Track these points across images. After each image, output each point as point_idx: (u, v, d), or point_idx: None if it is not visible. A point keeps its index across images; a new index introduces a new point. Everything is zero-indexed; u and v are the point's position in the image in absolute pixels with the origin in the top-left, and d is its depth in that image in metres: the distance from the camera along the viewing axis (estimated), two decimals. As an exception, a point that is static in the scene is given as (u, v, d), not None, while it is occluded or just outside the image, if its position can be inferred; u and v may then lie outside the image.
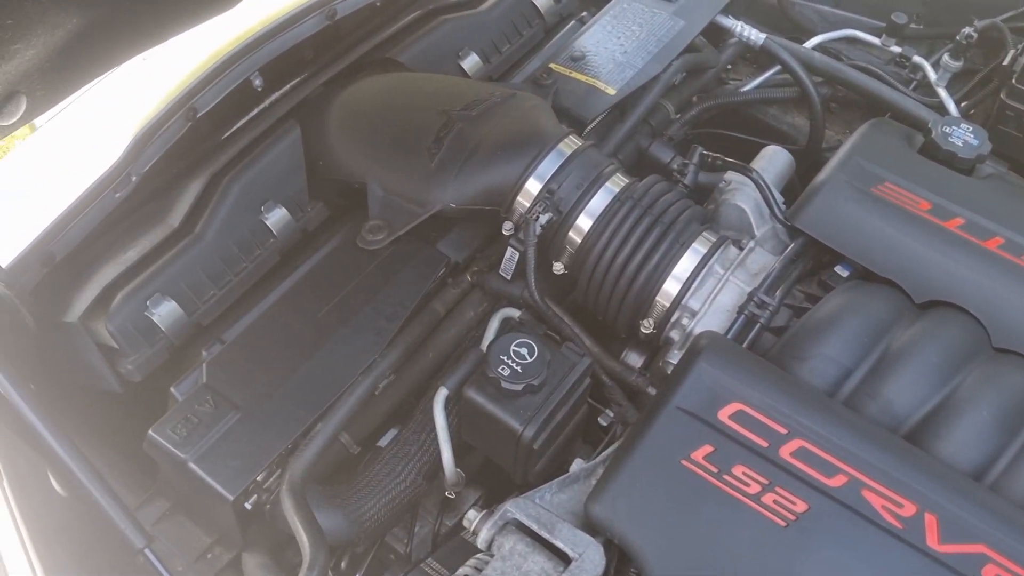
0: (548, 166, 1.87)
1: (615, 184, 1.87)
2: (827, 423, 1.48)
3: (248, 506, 1.67)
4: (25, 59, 1.60)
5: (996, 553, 1.35)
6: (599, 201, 1.84)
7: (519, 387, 1.63)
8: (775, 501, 1.41)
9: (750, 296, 1.71)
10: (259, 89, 2.11)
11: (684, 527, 1.42)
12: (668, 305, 1.79)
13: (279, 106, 2.17)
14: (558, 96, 2.17)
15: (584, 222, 1.84)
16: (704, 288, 1.78)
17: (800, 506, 1.41)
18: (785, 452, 1.46)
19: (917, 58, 2.50)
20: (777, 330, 1.72)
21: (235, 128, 2.18)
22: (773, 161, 2.00)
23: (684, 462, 1.47)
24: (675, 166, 2.20)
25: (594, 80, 2.20)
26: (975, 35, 2.39)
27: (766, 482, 1.43)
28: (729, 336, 1.70)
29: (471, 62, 2.36)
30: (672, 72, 2.28)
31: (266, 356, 1.80)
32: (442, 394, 1.71)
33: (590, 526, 1.49)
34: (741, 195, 1.88)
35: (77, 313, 1.84)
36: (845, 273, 1.77)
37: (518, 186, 1.87)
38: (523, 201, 1.87)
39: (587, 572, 1.40)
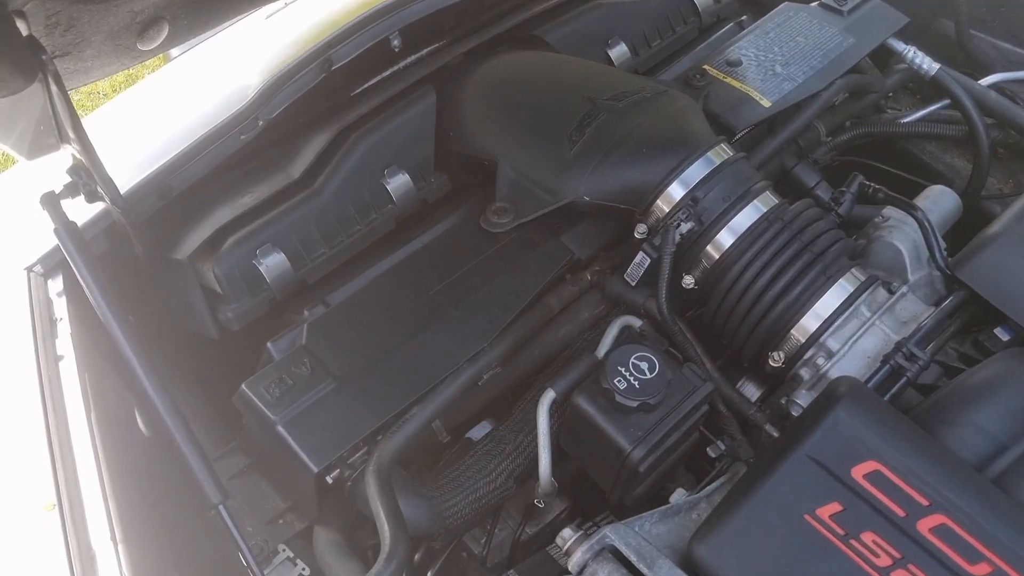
0: (695, 172, 1.74)
1: (764, 202, 1.73)
2: (975, 501, 1.32)
3: (329, 480, 1.59)
4: (174, -14, 1.55)
5: None
6: (745, 218, 1.70)
7: (634, 403, 1.51)
8: (906, 580, 1.27)
9: (898, 346, 1.56)
10: (396, 50, 2.03)
11: (798, 589, 1.29)
12: (803, 341, 1.65)
13: (415, 70, 2.09)
14: (708, 101, 2.03)
15: (725, 238, 1.71)
16: (846, 329, 1.64)
17: (934, 590, 1.26)
18: (924, 527, 1.31)
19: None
20: (923, 388, 1.57)
21: (367, 86, 2.10)
22: (939, 202, 1.83)
23: (808, 517, 1.33)
24: (819, 191, 2.05)
25: (749, 89, 2.05)
26: None
27: (899, 556, 1.29)
28: (869, 386, 1.55)
29: (619, 52, 2.24)
30: (833, 92, 2.12)
31: (369, 327, 1.72)
32: (549, 397, 1.60)
33: (690, 566, 1.36)
34: (899, 234, 1.73)
35: (187, 251, 1.79)
36: (1006, 337, 1.61)
37: (659, 189, 1.74)
38: (663, 205, 1.75)
39: (683, 619, 1.28)
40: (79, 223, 1.75)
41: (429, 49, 2.16)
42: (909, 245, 1.71)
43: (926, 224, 1.69)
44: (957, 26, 2.43)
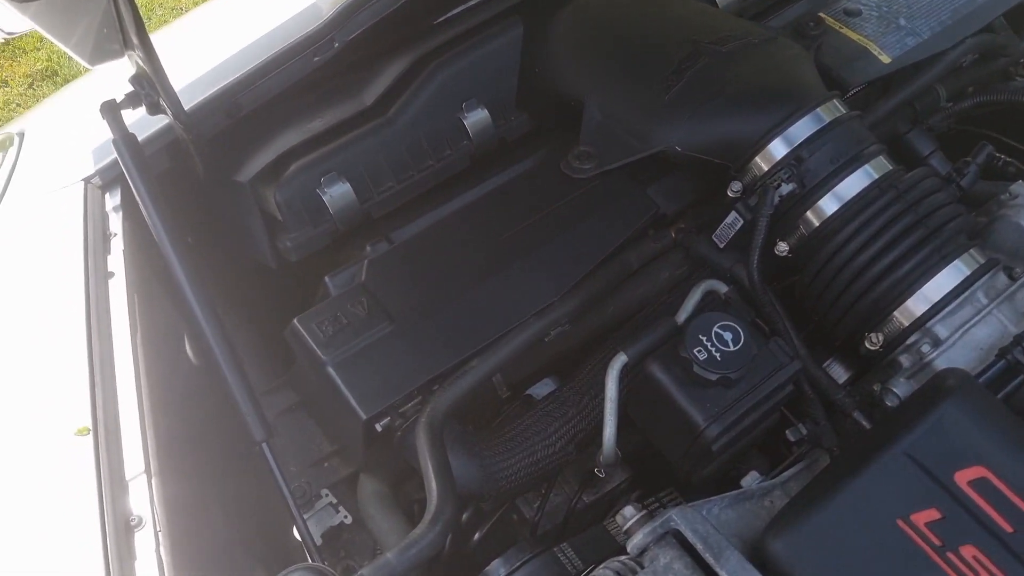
0: (801, 129, 1.57)
1: (877, 168, 1.56)
2: (1096, 523, 1.17)
3: (379, 428, 1.49)
4: None
5: None
6: (853, 183, 1.54)
7: (713, 377, 1.38)
8: (1009, 604, 1.13)
9: (1017, 340, 1.39)
10: (484, -24, 1.89)
11: (884, 600, 1.16)
12: (907, 324, 1.48)
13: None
14: (820, 52, 1.85)
15: (829, 204, 1.54)
16: (958, 315, 1.47)
17: (1041, 620, 1.12)
18: (1034, 546, 1.16)
19: None
20: (1042, 388, 1.40)
21: (451, 14, 1.96)
22: (1075, 183, 1.63)
23: (901, 522, 1.19)
24: (934, 161, 1.87)
25: (868, 42, 1.86)
26: None
27: (1001, 576, 1.15)
28: (981, 381, 1.39)
29: (725, -9, 2.06)
30: (961, 52, 1.91)
31: (433, 269, 1.61)
32: (620, 361, 1.47)
33: (762, 560, 1.24)
34: (1027, 214, 1.54)
35: (249, 174, 1.70)
36: None
37: (760, 144, 1.58)
38: (762, 163, 1.59)
39: (751, 619, 1.16)
40: (141, 136, 1.68)
41: (520, -22, 2.01)
42: (1038, 227, 1.53)
43: (1060, 205, 1.50)
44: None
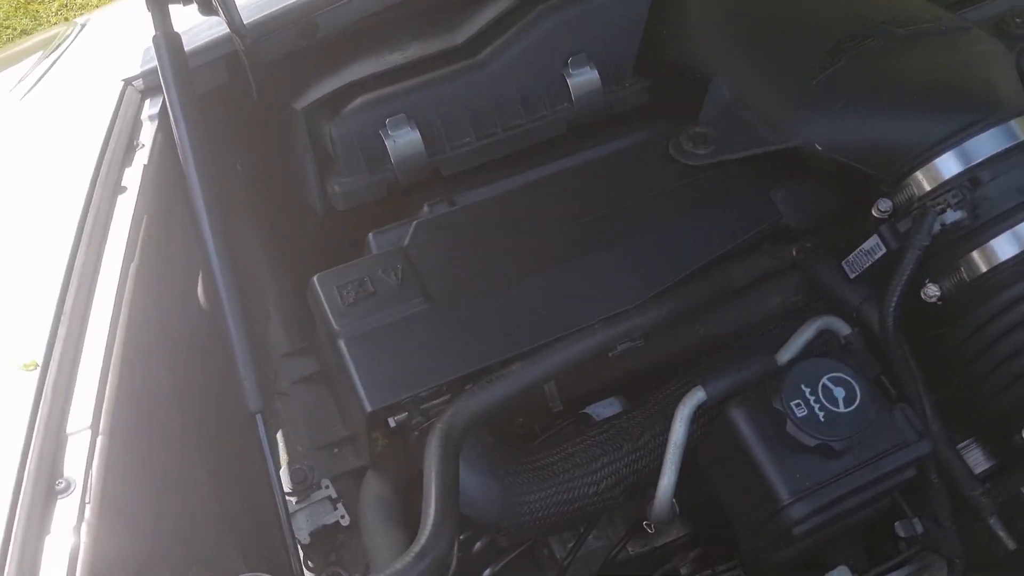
0: (985, 144, 1.22)
1: (1079, 208, 1.19)
2: None
3: (393, 423, 1.24)
4: None
5: None
6: (1045, 224, 1.18)
7: (811, 441, 1.07)
8: None
9: None
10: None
11: None
12: (1087, 422, 1.12)
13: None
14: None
15: (1006, 246, 1.19)
16: None
17: None
18: None
19: None
20: None
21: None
22: None
23: None
24: None
25: (1089, 52, 1.48)
26: None
27: None
28: None
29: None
30: None
31: (492, 244, 1.34)
32: (696, 398, 1.17)
33: None
34: None
35: (307, 101, 1.46)
36: None
37: (926, 156, 1.24)
38: (924, 180, 1.24)
39: None
40: (200, 42, 1.46)
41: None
42: None
43: None
44: None
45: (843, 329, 1.23)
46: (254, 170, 1.66)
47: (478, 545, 1.31)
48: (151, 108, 1.46)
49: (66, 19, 4.30)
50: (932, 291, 1.23)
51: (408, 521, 1.30)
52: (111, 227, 1.25)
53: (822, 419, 1.07)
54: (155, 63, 1.45)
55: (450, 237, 1.33)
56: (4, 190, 1.38)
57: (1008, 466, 1.27)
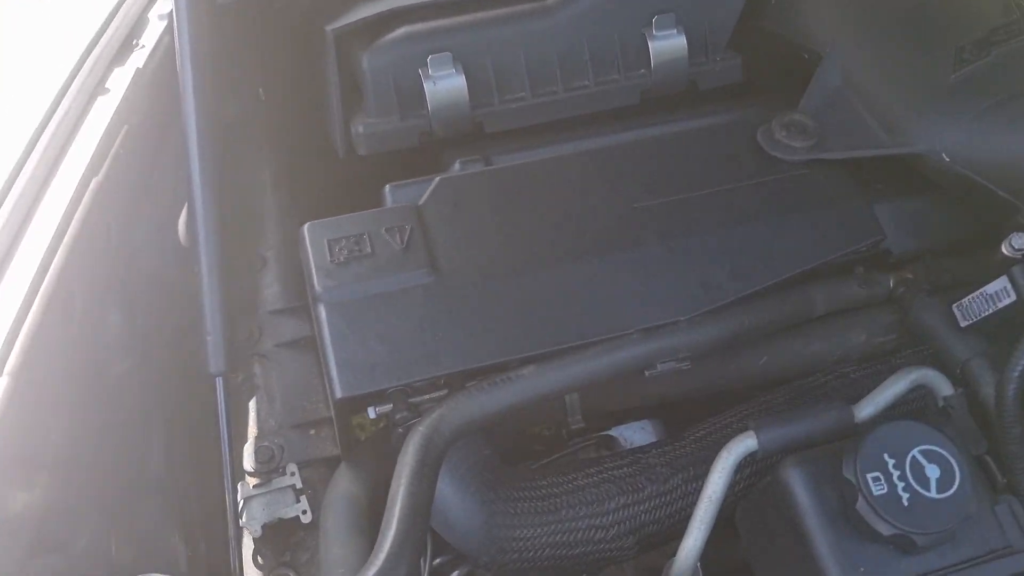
0: None
1: None
2: None
3: (373, 413, 1.02)
4: None
5: None
6: None
7: (887, 529, 0.82)
8: None
9: None
10: None
11: None
12: None
13: None
14: None
15: None
16: None
17: None
18: None
19: None
20: None
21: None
22: None
23: None
24: None
25: None
26: None
27: None
28: None
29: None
30: None
31: (526, 217, 1.10)
32: (744, 444, 0.93)
33: None
34: None
35: (340, 23, 1.24)
36: None
37: (1088, 186, 0.97)
38: (1079, 218, 0.98)
39: None
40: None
41: None
42: None
43: None
44: None
45: (944, 388, 0.97)
46: (277, 99, 1.45)
47: (457, 574, 1.08)
48: (164, 5, 1.27)
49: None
50: (1062, 359, 0.96)
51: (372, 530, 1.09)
52: (80, 129, 1.06)
53: (906, 502, 0.82)
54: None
55: (476, 201, 1.10)
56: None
57: None
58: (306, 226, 1.06)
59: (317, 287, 1.00)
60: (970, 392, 0.99)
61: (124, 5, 1.22)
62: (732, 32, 1.33)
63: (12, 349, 0.87)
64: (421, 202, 1.09)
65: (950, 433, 0.88)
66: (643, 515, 1.02)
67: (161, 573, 0.90)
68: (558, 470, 1.06)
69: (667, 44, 1.30)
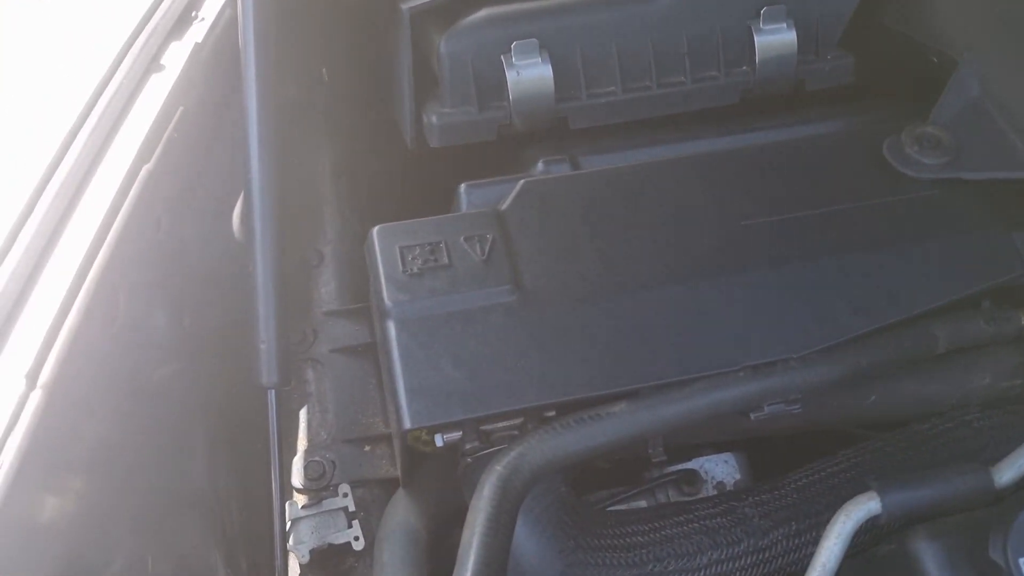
0: None
1: None
2: None
3: (440, 441, 0.92)
4: None
5: None
6: None
7: (1045, 629, 0.70)
8: None
9: None
10: None
11: None
12: None
13: None
14: None
15: None
16: None
17: None
18: None
19: None
20: None
21: None
22: None
23: None
24: None
25: None
26: None
27: None
28: None
29: None
30: None
31: (620, 231, 0.99)
32: (865, 509, 0.81)
33: None
34: None
35: (417, 1, 1.13)
36: None
37: None
38: None
39: None
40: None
41: None
42: None
43: None
44: None
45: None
46: (342, 81, 1.35)
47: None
48: (227, -23, 1.16)
49: None
50: None
51: (435, 566, 0.99)
52: (130, 112, 0.96)
53: (1070, 599, 0.70)
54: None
55: (564, 209, 0.99)
56: (16, 44, 1.10)
57: None
58: (376, 229, 0.95)
59: (387, 301, 0.89)
60: None
61: (184, -26, 1.12)
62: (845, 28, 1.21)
63: (48, 357, 0.77)
64: (503, 207, 0.98)
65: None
66: (738, 573, 0.90)
67: None
68: (643, 516, 0.95)
69: (775, 39, 1.17)
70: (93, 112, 0.93)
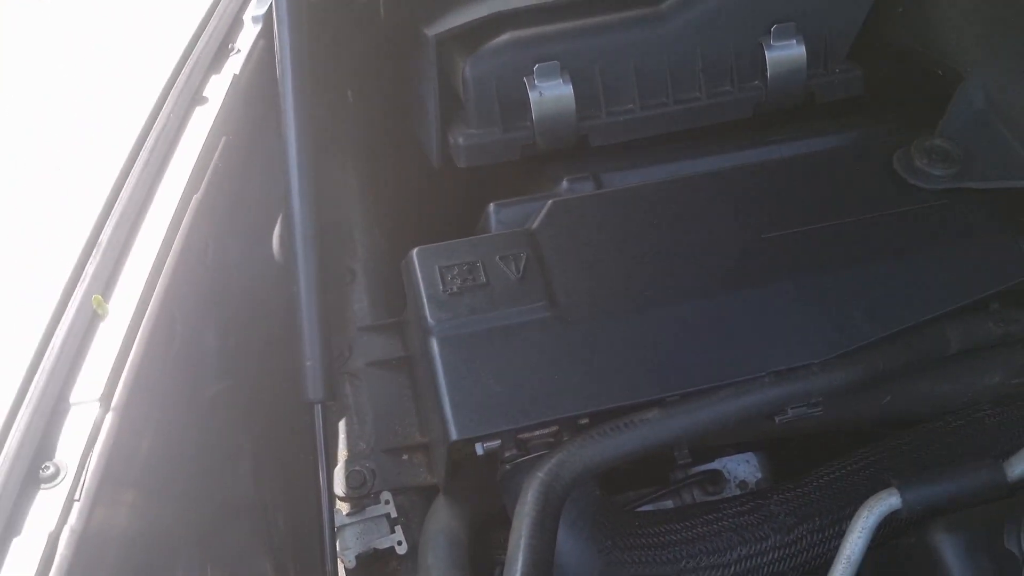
0: None
1: None
2: None
3: (480, 450, 0.97)
4: None
5: None
6: None
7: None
8: None
9: None
10: None
11: None
12: None
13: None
14: None
15: None
16: None
17: None
18: None
19: None
20: None
21: None
22: None
23: None
24: None
25: None
26: None
27: None
28: None
29: None
30: None
31: (646, 247, 1.04)
32: (887, 504, 0.87)
33: None
34: None
35: (442, 27, 1.18)
36: None
37: None
38: None
39: None
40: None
41: None
42: None
43: None
44: None
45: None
46: (367, 102, 1.40)
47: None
48: (257, 7, 1.21)
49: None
50: None
51: (478, 569, 1.04)
52: (178, 145, 1.01)
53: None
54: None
55: (591, 227, 1.04)
56: (68, 80, 1.15)
57: None
58: (415, 251, 1.00)
59: (429, 319, 0.95)
60: None
61: (219, 7, 1.17)
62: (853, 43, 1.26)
63: (119, 381, 0.82)
64: (534, 227, 1.03)
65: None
66: (766, 567, 0.96)
67: None
68: (674, 516, 1.00)
69: (785, 54, 1.22)
70: (144, 147, 0.98)
